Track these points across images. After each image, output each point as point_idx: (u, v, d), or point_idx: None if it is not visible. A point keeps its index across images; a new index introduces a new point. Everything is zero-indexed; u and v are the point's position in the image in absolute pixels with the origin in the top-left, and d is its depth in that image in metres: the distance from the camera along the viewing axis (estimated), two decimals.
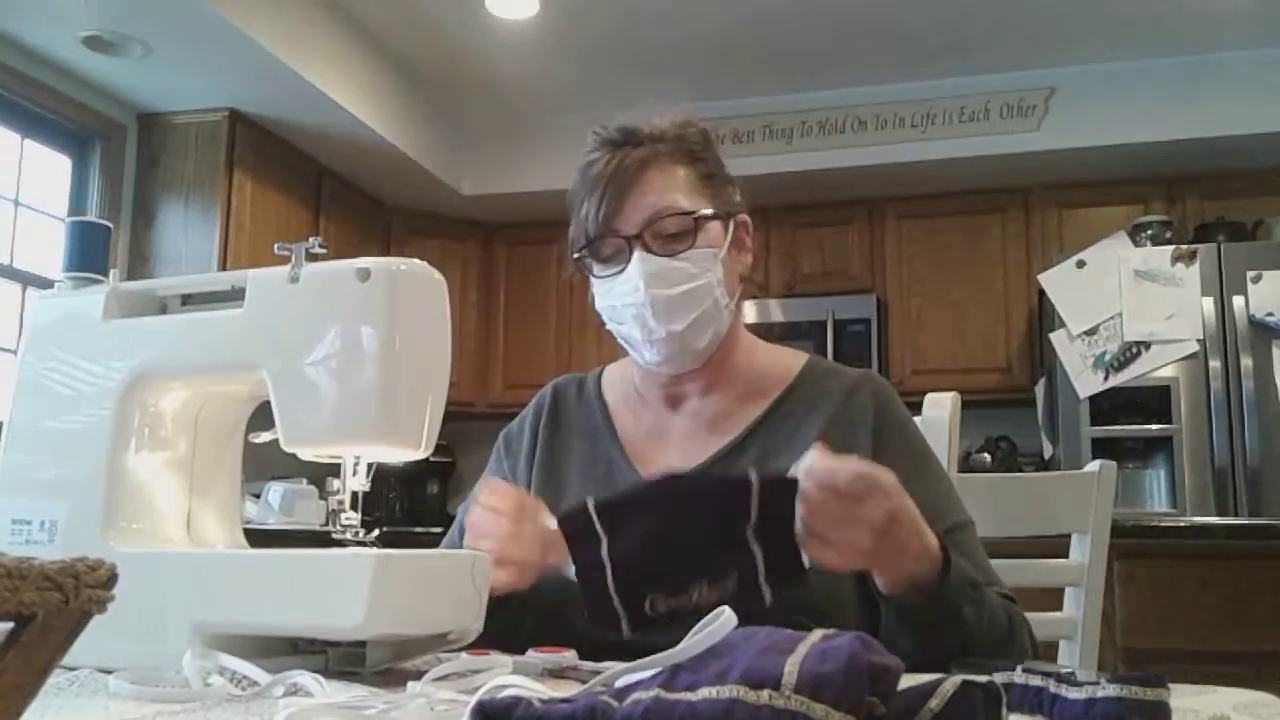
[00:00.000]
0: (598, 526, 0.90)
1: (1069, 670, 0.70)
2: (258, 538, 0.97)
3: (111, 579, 0.49)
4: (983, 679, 0.63)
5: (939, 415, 1.39)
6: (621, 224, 1.14)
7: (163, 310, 0.99)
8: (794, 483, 0.89)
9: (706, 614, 0.68)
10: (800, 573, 0.89)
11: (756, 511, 0.88)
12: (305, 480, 4.07)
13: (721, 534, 0.88)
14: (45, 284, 3.47)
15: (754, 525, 0.88)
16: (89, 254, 1.04)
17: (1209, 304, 3.79)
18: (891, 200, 4.74)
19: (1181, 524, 2.63)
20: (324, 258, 0.92)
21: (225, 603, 0.83)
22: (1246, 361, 3.71)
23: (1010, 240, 4.61)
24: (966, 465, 4.33)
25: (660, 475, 0.97)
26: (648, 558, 0.88)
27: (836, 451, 0.92)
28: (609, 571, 0.89)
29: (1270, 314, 3.71)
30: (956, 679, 0.60)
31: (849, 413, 1.18)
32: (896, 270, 4.72)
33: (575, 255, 1.19)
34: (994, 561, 1.59)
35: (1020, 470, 4.37)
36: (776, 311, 4.53)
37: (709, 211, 1.16)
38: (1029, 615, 1.58)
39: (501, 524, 1.03)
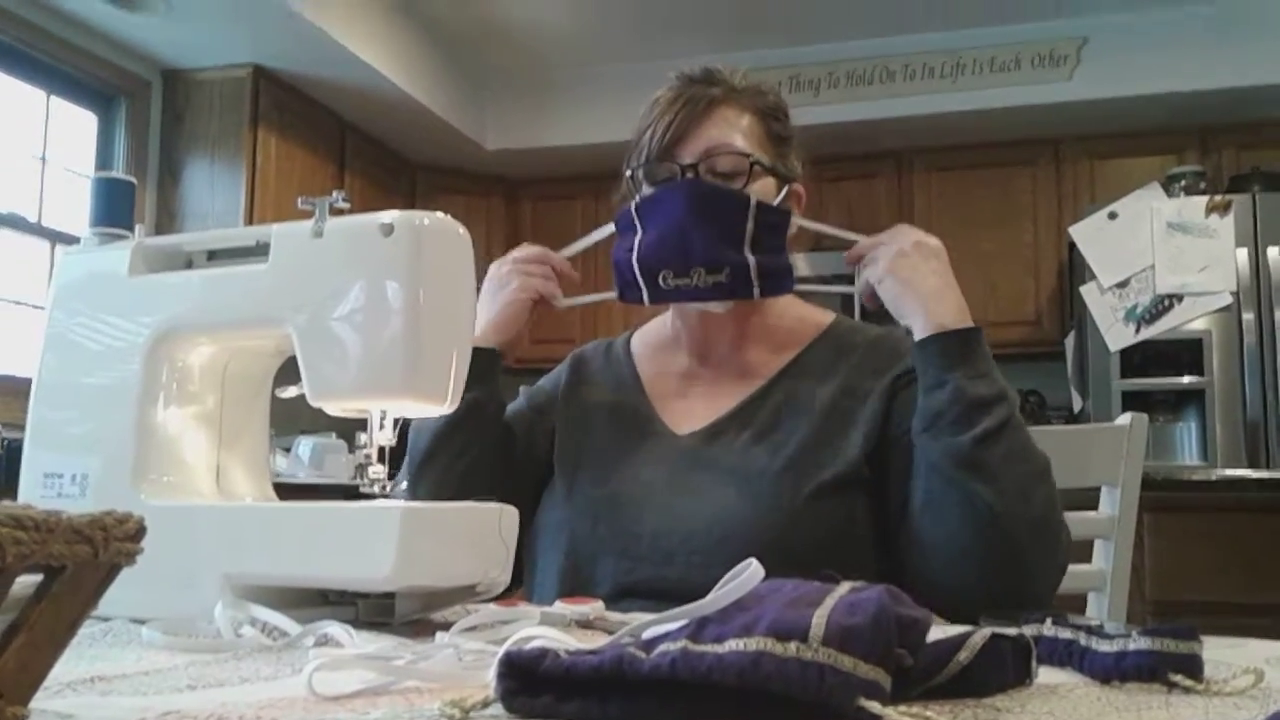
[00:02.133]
0: (636, 221, 1.16)
1: (1099, 623, 0.70)
2: (287, 491, 0.98)
3: (140, 532, 0.50)
4: (1012, 632, 0.62)
5: None
6: (681, 151, 1.16)
7: (188, 266, 0.99)
8: (787, 212, 1.17)
9: (705, 289, 1.12)
10: (787, 279, 1.16)
11: (752, 229, 1.12)
12: (335, 434, 4.11)
13: (722, 239, 1.12)
14: (72, 240, 3.50)
15: (749, 239, 1.12)
16: (115, 210, 1.04)
17: (1243, 255, 3.74)
18: (920, 152, 4.69)
19: (1212, 477, 2.62)
20: (348, 213, 0.92)
21: (255, 555, 0.84)
22: None
23: (1041, 192, 4.55)
24: None
25: (683, 181, 1.14)
26: (663, 243, 1.13)
27: (850, 401, 1.14)
28: (635, 253, 1.15)
29: None
30: (985, 631, 0.60)
31: (871, 363, 1.19)
32: (924, 223, 4.61)
33: (629, 171, 1.21)
34: None
35: (1049, 424, 4.35)
36: (803, 266, 4.49)
37: (765, 161, 1.18)
38: None
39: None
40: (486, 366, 1.17)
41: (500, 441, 1.22)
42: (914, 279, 1.13)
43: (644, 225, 1.15)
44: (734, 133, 1.17)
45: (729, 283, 1.12)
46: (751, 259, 1.13)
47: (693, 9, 4.22)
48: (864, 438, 1.12)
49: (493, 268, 1.27)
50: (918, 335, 1.10)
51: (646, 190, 1.18)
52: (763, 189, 1.17)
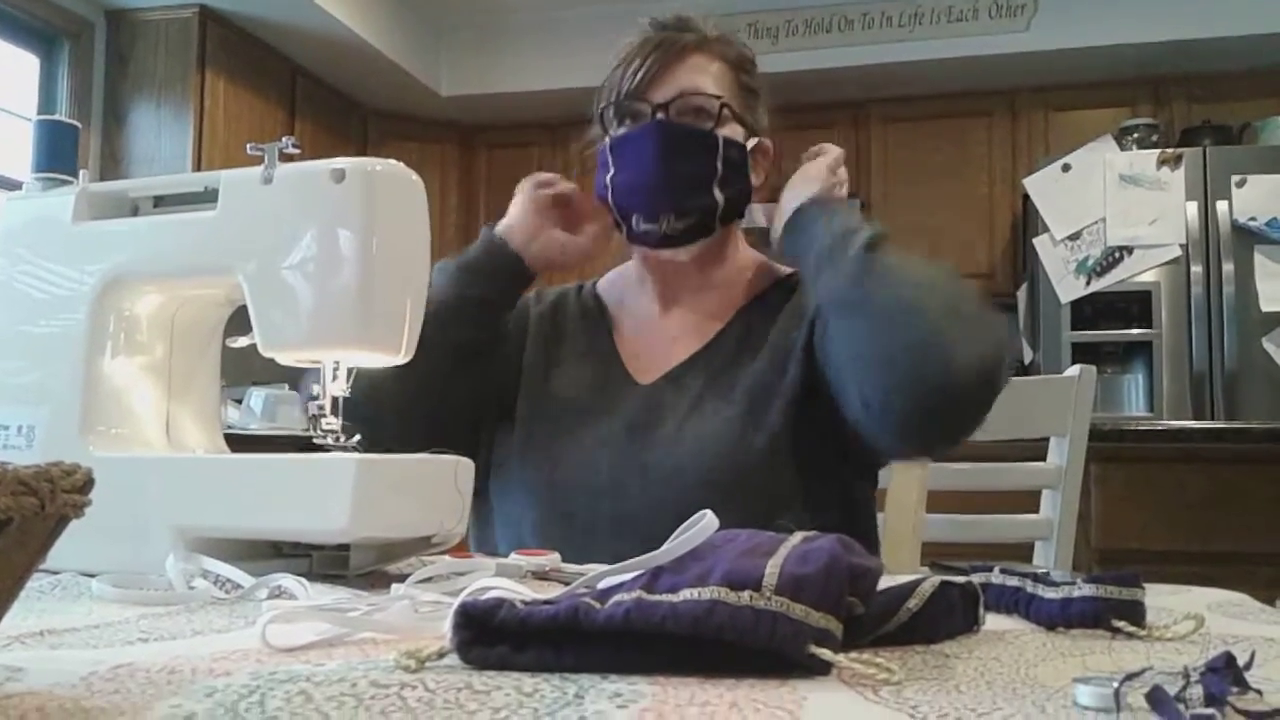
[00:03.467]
0: (609, 157, 1.18)
1: (1045, 571, 0.71)
2: (239, 443, 0.97)
3: (88, 484, 0.49)
4: (960, 579, 0.63)
5: None
6: (653, 92, 1.17)
7: (134, 212, 0.97)
8: (746, 150, 1.19)
9: (673, 235, 1.16)
10: (744, 205, 1.21)
11: (721, 168, 1.16)
12: (287, 385, 4.07)
13: (691, 182, 1.15)
14: (14, 186, 3.41)
15: (719, 178, 1.16)
16: (58, 154, 1.01)
17: (1193, 209, 3.79)
18: (877, 103, 4.68)
19: (1158, 427, 2.67)
20: (298, 159, 0.90)
21: (207, 507, 0.83)
22: (1228, 267, 3.72)
23: (996, 144, 4.57)
24: None
25: (652, 123, 1.16)
26: (634, 187, 1.17)
27: (795, 331, 1.16)
28: (609, 191, 1.18)
29: (1254, 219, 3.71)
30: (935, 579, 0.61)
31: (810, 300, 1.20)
32: (881, 173, 4.68)
33: (599, 108, 1.22)
34: (973, 465, 1.61)
35: None
36: (760, 216, 4.49)
37: (736, 109, 1.20)
38: (1007, 517, 1.60)
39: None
40: (496, 260, 1.21)
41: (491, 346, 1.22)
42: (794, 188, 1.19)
43: (616, 164, 1.18)
44: (705, 77, 1.19)
45: (697, 224, 1.16)
46: (720, 197, 1.16)
47: None
48: (798, 362, 1.14)
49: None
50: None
51: (618, 129, 1.20)
52: (731, 134, 1.19)
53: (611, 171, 1.18)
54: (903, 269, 1.05)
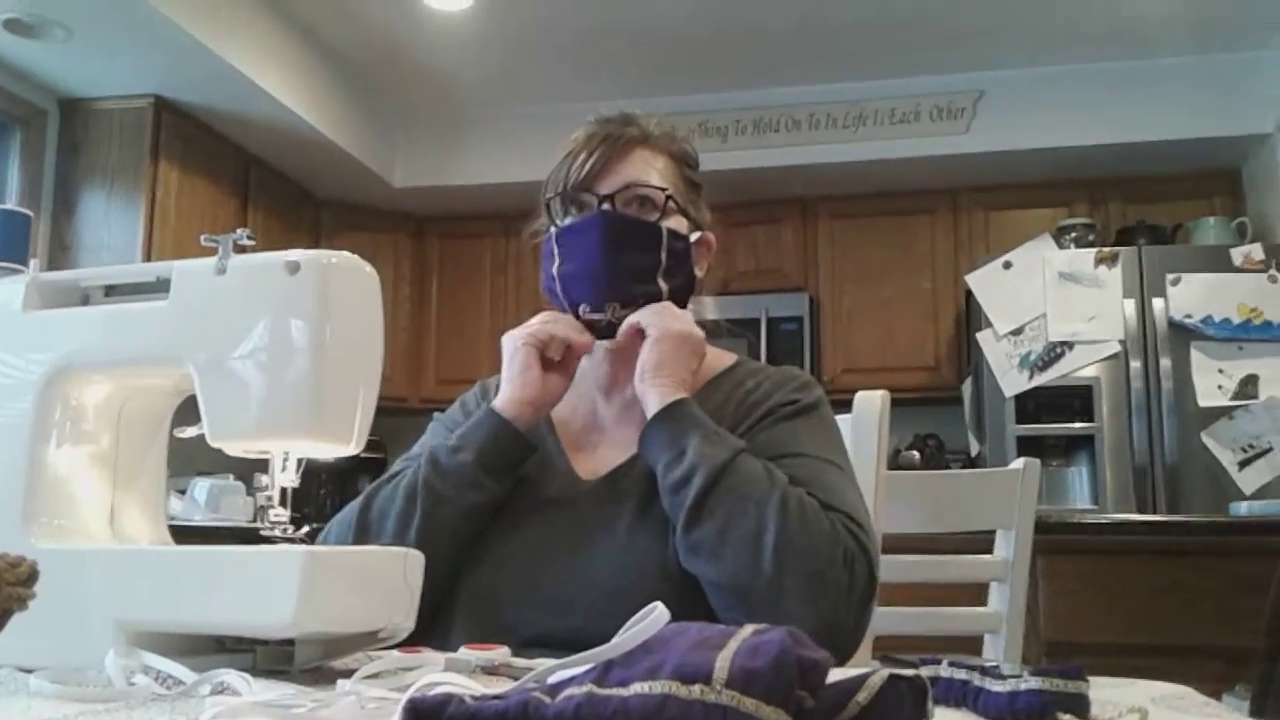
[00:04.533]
0: (555, 248, 1.20)
1: (994, 664, 0.72)
2: (183, 534, 0.95)
3: (32, 576, 0.48)
4: (909, 673, 0.64)
5: (868, 413, 1.41)
6: (599, 184, 1.19)
7: (85, 301, 0.97)
8: (690, 242, 1.22)
9: (618, 324, 1.15)
10: (687, 296, 1.23)
11: (666, 259, 1.18)
12: (232, 476, 4.00)
13: (636, 272, 1.18)
14: None
15: (664, 269, 1.19)
16: (9, 243, 1.01)
17: (1130, 306, 3.89)
18: (823, 199, 4.80)
19: (1103, 520, 2.70)
20: (252, 249, 0.91)
21: (149, 600, 0.82)
22: (1166, 362, 3.82)
23: (939, 240, 4.68)
24: (895, 462, 4.39)
25: (597, 213, 1.17)
26: (580, 276, 1.18)
27: (728, 427, 1.14)
28: (556, 283, 1.20)
29: (1189, 316, 3.82)
30: (884, 672, 0.61)
31: (750, 397, 1.21)
32: (829, 269, 4.77)
33: (546, 199, 1.23)
34: (920, 557, 1.62)
35: (948, 467, 4.45)
36: (711, 308, 4.55)
37: (680, 201, 1.22)
38: (956, 609, 1.61)
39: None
40: (509, 452, 1.15)
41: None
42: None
43: (561, 255, 1.20)
44: (650, 171, 1.21)
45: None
46: (665, 287, 1.19)
47: (603, 54, 4.26)
48: None
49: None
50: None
51: (564, 220, 1.22)
52: (675, 226, 1.21)
53: (557, 262, 1.19)
54: (725, 531, 1.01)
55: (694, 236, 1.23)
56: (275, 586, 0.77)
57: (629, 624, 0.58)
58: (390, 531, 1.11)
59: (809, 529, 1.00)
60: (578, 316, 1.18)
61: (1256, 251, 3.82)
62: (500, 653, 0.85)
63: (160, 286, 0.92)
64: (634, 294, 1.17)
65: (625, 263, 1.17)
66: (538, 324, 1.19)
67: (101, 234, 3.80)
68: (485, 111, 4.74)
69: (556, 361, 1.19)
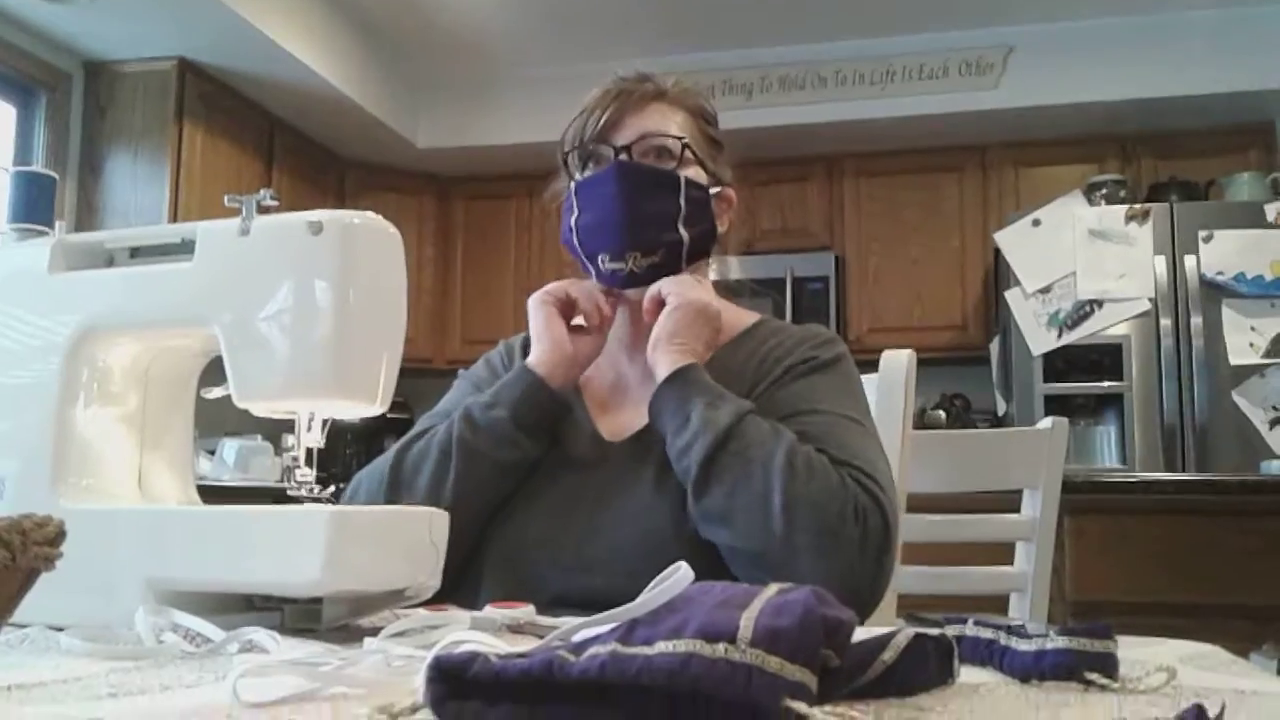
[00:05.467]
0: (574, 201, 1.18)
1: (1019, 623, 0.71)
2: (212, 494, 0.96)
3: (59, 536, 0.49)
4: (935, 632, 0.64)
5: (895, 372, 1.40)
6: (615, 136, 1.19)
7: (110, 263, 0.97)
8: (709, 193, 1.20)
9: (640, 273, 1.15)
10: (710, 244, 1.22)
11: (685, 206, 1.16)
12: (260, 436, 4.04)
13: (655, 220, 1.15)
14: None
15: (683, 216, 1.16)
16: (34, 205, 1.02)
17: (1161, 263, 3.84)
18: (850, 157, 4.75)
19: (1131, 479, 2.68)
20: (276, 210, 0.91)
21: (178, 560, 0.82)
22: (1196, 320, 3.77)
23: (967, 198, 4.63)
24: (922, 422, 4.37)
25: (614, 163, 1.16)
26: (599, 226, 1.16)
27: (748, 386, 1.14)
28: (574, 234, 1.18)
29: (1221, 273, 3.77)
30: (909, 631, 0.61)
31: (772, 354, 1.20)
32: (855, 228, 4.73)
33: (562, 154, 1.23)
34: (948, 516, 1.61)
35: (975, 426, 4.43)
36: (735, 268, 4.51)
37: (698, 153, 1.21)
38: (982, 569, 1.60)
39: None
40: (544, 409, 1.15)
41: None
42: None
43: (580, 207, 1.18)
44: (667, 122, 1.21)
45: (663, 262, 1.16)
46: (685, 235, 1.16)
47: (625, 12, 4.22)
48: None
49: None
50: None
51: (581, 174, 1.21)
52: (694, 176, 1.20)
53: (576, 214, 1.18)
54: (732, 496, 1.01)
55: (714, 190, 1.22)
56: (302, 546, 0.78)
57: (653, 583, 0.58)
58: (424, 488, 1.11)
59: (815, 485, 1.00)
60: (597, 268, 1.17)
61: None
62: (525, 611, 0.85)
63: (185, 248, 0.92)
64: (654, 241, 1.15)
65: (644, 211, 1.15)
66: (555, 284, 1.19)
67: (127, 196, 3.82)
68: (509, 72, 4.72)
69: (584, 325, 1.19)
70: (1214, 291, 3.77)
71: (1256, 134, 4.38)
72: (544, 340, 1.17)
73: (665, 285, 1.14)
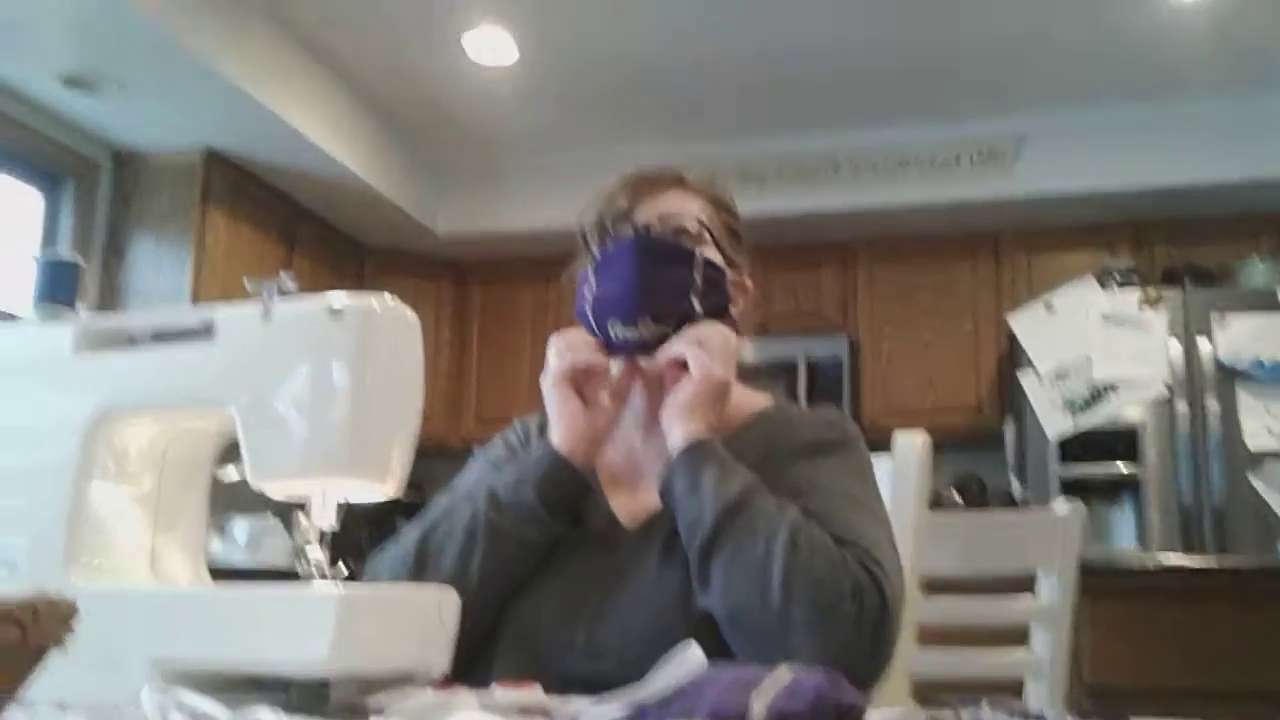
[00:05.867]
0: (591, 276, 1.19)
1: (1038, 712, 0.71)
2: (222, 575, 0.96)
3: (72, 615, 0.49)
4: (948, 716, 0.63)
5: (908, 455, 1.40)
6: (635, 217, 1.21)
7: (132, 345, 0.99)
8: (724, 275, 1.21)
9: (651, 341, 1.15)
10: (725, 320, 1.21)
11: (700, 282, 1.17)
12: (272, 517, 4.03)
13: (669, 290, 1.16)
14: (15, 319, 3.43)
15: (697, 290, 1.17)
16: (59, 289, 1.04)
17: (1175, 347, 3.84)
18: (864, 244, 4.79)
19: (1149, 564, 2.65)
20: (295, 294, 0.93)
21: (187, 640, 0.82)
22: (1213, 403, 3.76)
23: (980, 284, 4.65)
24: (937, 504, 4.34)
25: (633, 236, 1.18)
26: (613, 293, 1.16)
27: (758, 466, 1.12)
28: (589, 305, 1.18)
29: (1236, 358, 3.76)
30: (921, 716, 0.61)
31: (782, 437, 1.20)
32: (868, 311, 4.75)
33: (582, 235, 1.25)
34: (963, 598, 1.59)
35: (990, 508, 4.39)
36: (749, 350, 4.53)
37: (715, 234, 1.23)
38: (998, 652, 1.58)
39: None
40: (568, 487, 1.15)
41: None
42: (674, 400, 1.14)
43: (597, 281, 1.19)
44: (687, 207, 1.23)
45: (675, 332, 1.15)
46: (699, 308, 1.17)
47: (640, 101, 4.31)
48: None
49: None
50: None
51: (599, 253, 1.22)
52: (711, 256, 1.21)
53: (592, 287, 1.19)
54: (732, 565, 1.01)
55: (730, 275, 1.24)
56: (310, 626, 0.78)
57: (661, 660, 0.57)
58: (449, 568, 1.11)
59: (815, 562, 0.99)
60: (608, 335, 1.16)
61: None
62: (533, 692, 0.85)
63: (206, 331, 0.94)
64: (667, 310, 1.16)
65: (658, 280, 1.16)
66: (559, 362, 1.17)
67: (150, 280, 3.88)
68: (526, 161, 4.80)
69: (592, 395, 1.19)
70: (1229, 376, 3.76)
71: (1267, 221, 4.40)
72: (562, 419, 1.17)
73: (690, 351, 1.14)
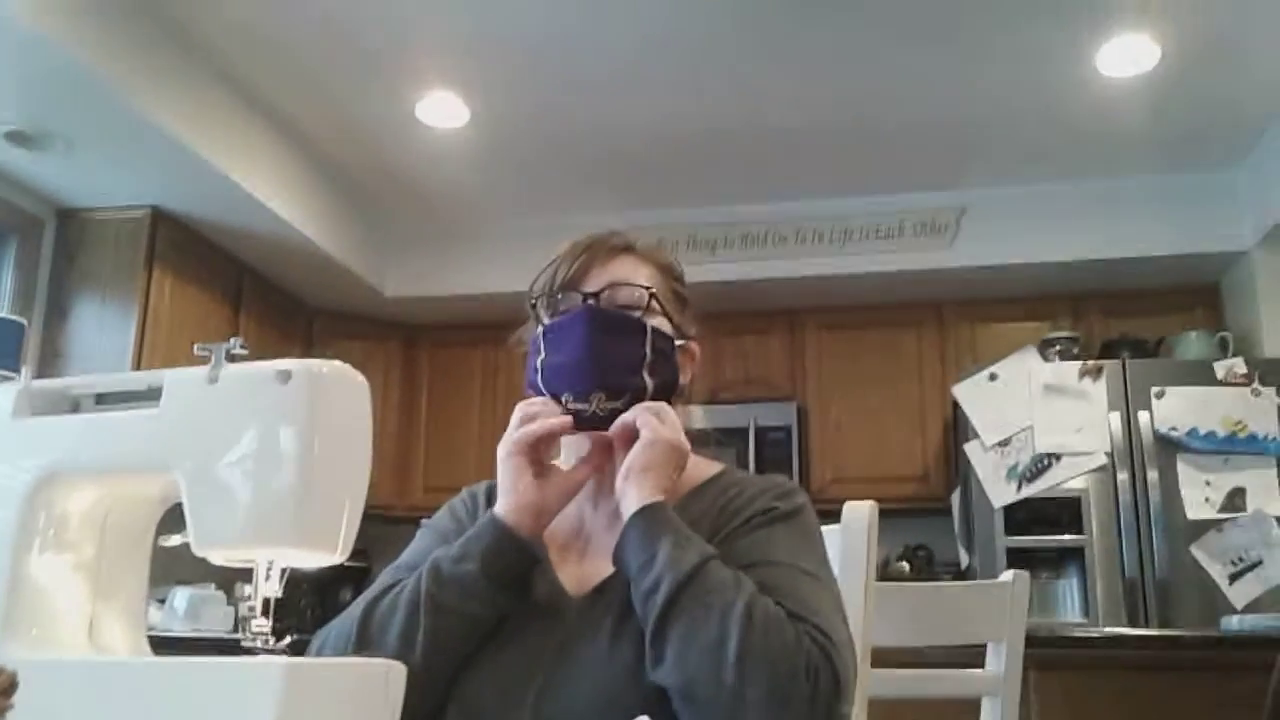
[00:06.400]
0: (541, 343, 1.20)
1: None
2: (162, 645, 0.94)
3: (12, 686, 0.48)
4: None
5: (857, 524, 1.41)
6: (584, 284, 1.22)
7: (75, 409, 0.97)
8: (674, 344, 1.22)
9: (603, 416, 1.15)
10: (673, 395, 1.22)
11: (650, 355, 1.18)
12: (213, 585, 3.94)
13: (621, 364, 1.17)
14: None
15: (648, 364, 1.18)
16: (1, 351, 1.02)
17: (1115, 418, 3.91)
18: (811, 311, 4.85)
19: (1094, 635, 2.67)
20: (243, 358, 0.92)
21: (127, 712, 0.80)
22: (1153, 474, 3.82)
23: (925, 352, 4.73)
24: (885, 573, 4.35)
25: (583, 306, 1.19)
26: (565, 367, 1.17)
27: (709, 534, 1.13)
28: (539, 375, 1.18)
29: (1174, 429, 3.84)
30: None
31: (732, 504, 1.20)
32: (816, 379, 4.80)
33: (531, 301, 1.25)
34: (912, 671, 1.60)
35: (938, 578, 4.41)
36: (699, 417, 4.53)
37: (665, 304, 1.24)
38: None
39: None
40: (513, 560, 1.13)
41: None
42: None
43: (547, 349, 1.19)
44: (636, 274, 1.24)
45: (625, 408, 1.15)
46: (650, 382, 1.18)
47: (591, 168, 4.35)
48: None
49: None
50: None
51: (549, 320, 1.22)
52: (660, 325, 1.22)
53: (543, 355, 1.19)
54: (687, 639, 1.00)
55: (679, 342, 1.25)
56: (254, 699, 0.76)
57: None
58: (392, 645, 1.08)
59: (771, 639, 0.99)
60: (562, 403, 1.16)
61: (1239, 366, 3.87)
62: None
63: (151, 395, 0.93)
64: (619, 385, 1.16)
65: (610, 353, 1.17)
66: (520, 430, 1.16)
67: (93, 341, 3.81)
68: (476, 224, 4.82)
69: (551, 465, 1.18)
70: (1168, 447, 3.84)
71: (1202, 293, 4.53)
72: (514, 490, 1.15)
73: (641, 417, 1.14)
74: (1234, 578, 3.68)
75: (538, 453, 1.17)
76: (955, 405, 4.25)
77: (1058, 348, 4.23)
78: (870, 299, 4.74)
